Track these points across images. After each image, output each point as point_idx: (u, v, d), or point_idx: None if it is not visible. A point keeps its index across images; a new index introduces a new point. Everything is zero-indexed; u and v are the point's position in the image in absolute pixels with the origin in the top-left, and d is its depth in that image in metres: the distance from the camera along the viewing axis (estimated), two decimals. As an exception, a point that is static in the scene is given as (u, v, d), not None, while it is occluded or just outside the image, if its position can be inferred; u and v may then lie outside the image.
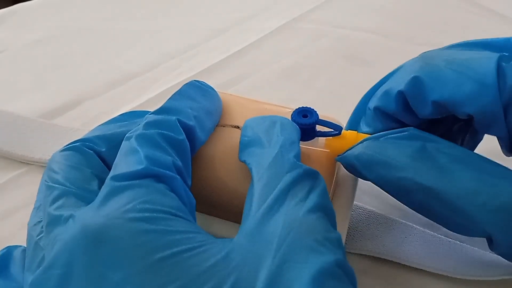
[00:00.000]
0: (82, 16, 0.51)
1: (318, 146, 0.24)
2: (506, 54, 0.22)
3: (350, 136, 0.24)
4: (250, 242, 0.17)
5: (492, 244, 0.21)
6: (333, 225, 0.18)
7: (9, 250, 0.21)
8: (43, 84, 0.41)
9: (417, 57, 0.24)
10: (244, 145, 0.22)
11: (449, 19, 0.50)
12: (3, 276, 0.20)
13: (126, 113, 0.25)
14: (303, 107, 0.24)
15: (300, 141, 0.22)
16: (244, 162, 0.21)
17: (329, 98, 0.39)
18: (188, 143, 0.21)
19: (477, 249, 0.26)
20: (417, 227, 0.27)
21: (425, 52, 0.24)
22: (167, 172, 0.19)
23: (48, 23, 0.49)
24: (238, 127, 0.24)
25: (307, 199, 0.18)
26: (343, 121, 0.26)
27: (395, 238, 0.27)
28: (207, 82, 0.25)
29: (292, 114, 0.23)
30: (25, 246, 0.20)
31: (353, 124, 0.26)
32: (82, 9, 0.52)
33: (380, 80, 0.26)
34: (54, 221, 0.18)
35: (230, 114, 0.25)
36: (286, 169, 0.19)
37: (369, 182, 0.23)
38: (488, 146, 0.26)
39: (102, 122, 0.24)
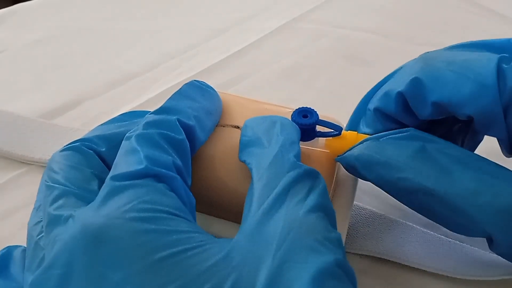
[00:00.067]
0: (82, 16, 0.51)
1: (318, 146, 0.24)
2: (506, 55, 0.22)
3: (350, 137, 0.24)
4: (250, 242, 0.17)
5: (492, 244, 0.21)
6: (333, 225, 0.18)
7: (9, 250, 0.21)
8: (43, 84, 0.41)
9: (417, 58, 0.24)
10: (244, 145, 0.22)
11: (449, 19, 0.50)
12: (3, 276, 0.20)
13: (126, 113, 0.25)
14: (303, 107, 0.24)
15: (300, 141, 0.22)
16: (244, 162, 0.21)
17: (329, 98, 0.39)
18: (188, 143, 0.21)
19: (477, 249, 0.26)
20: (417, 227, 0.27)
21: (425, 53, 0.24)
22: (167, 172, 0.19)
23: (48, 23, 0.49)
24: (238, 127, 0.24)
25: (307, 199, 0.18)
26: (343, 121, 0.26)
27: (395, 238, 0.27)
28: (207, 82, 0.25)
29: (292, 114, 0.23)
30: (25, 246, 0.20)
31: (353, 125, 0.26)
32: (82, 9, 0.52)
33: (380, 81, 0.26)
34: (54, 221, 0.18)
35: (230, 114, 0.25)
36: (286, 169, 0.19)
37: (369, 182, 0.23)
38: (488, 146, 0.26)
39: (102, 122, 0.24)
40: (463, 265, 0.25)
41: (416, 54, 0.25)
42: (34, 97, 0.39)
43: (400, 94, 0.23)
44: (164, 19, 0.50)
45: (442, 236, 0.27)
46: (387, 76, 0.25)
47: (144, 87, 0.40)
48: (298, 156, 0.20)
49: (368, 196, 0.29)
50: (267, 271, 0.16)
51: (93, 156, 0.21)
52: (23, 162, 0.33)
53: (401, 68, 0.25)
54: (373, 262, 0.26)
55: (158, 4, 0.53)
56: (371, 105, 0.24)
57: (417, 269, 0.26)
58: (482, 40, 0.24)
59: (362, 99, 0.26)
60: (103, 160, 0.22)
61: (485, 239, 0.21)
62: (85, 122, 0.37)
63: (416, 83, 0.22)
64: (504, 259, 0.22)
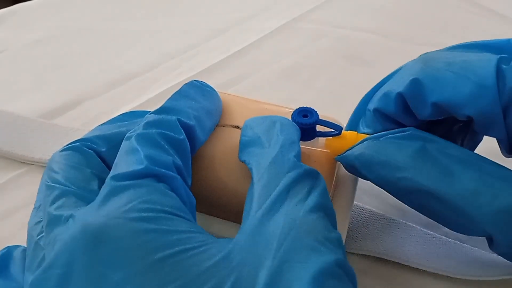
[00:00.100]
0: (82, 16, 0.51)
1: (318, 146, 0.24)
2: (506, 56, 0.22)
3: (350, 136, 0.24)
4: (250, 242, 0.17)
5: (492, 244, 0.21)
6: (333, 225, 0.18)
7: (9, 250, 0.21)
8: (43, 84, 0.41)
9: (416, 58, 0.24)
10: (244, 145, 0.22)
11: (449, 19, 0.50)
12: (3, 276, 0.20)
13: (126, 113, 0.25)
14: (303, 107, 0.24)
15: (300, 141, 0.22)
16: (244, 162, 0.21)
17: (329, 98, 0.39)
18: (188, 142, 0.21)
19: (477, 249, 0.26)
20: (417, 227, 0.27)
21: (424, 54, 0.24)
22: (167, 171, 0.19)
23: (48, 23, 0.49)
24: (238, 127, 0.24)
25: (307, 199, 0.18)
26: (343, 121, 0.26)
27: (395, 238, 0.27)
28: (207, 82, 0.25)
29: (292, 114, 0.23)
30: (25, 246, 0.20)
31: (353, 125, 0.26)
32: (82, 9, 0.52)
33: (380, 82, 0.26)
34: (54, 221, 0.18)
35: (230, 114, 0.25)
36: (286, 169, 0.19)
37: (369, 182, 0.23)
38: (488, 146, 0.26)
39: (102, 122, 0.24)
40: (463, 265, 0.25)
41: (416, 54, 0.25)
42: (34, 97, 0.39)
43: (399, 95, 0.23)
44: (164, 19, 0.50)
45: (442, 236, 0.27)
46: (386, 76, 0.25)
47: (144, 87, 0.40)
48: (298, 156, 0.20)
49: (368, 196, 0.29)
50: (267, 271, 0.16)
51: (93, 156, 0.21)
52: (23, 162, 0.33)
53: (400, 68, 0.25)
54: (373, 262, 0.26)
55: (158, 4, 0.53)
56: (371, 106, 0.24)
57: (417, 269, 0.26)
58: (482, 41, 0.24)
59: (362, 99, 0.26)
60: (103, 160, 0.22)
61: (485, 239, 0.21)
62: (85, 122, 0.37)
63: (415, 84, 0.22)
64: (504, 259, 0.22)
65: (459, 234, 0.26)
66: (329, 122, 0.24)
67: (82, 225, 0.17)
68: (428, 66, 0.23)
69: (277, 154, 0.20)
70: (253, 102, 0.26)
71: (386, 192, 0.23)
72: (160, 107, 0.22)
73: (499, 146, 0.23)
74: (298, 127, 0.22)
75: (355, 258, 0.26)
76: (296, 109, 0.23)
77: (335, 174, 0.24)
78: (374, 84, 0.26)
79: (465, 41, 0.25)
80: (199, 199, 0.21)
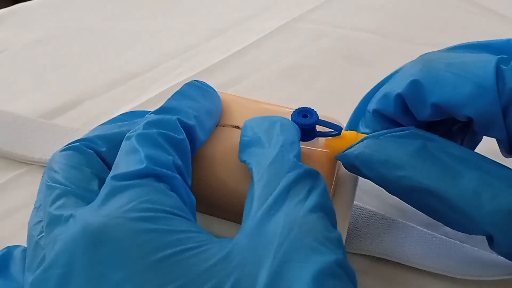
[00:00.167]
0: (82, 16, 0.51)
1: (318, 146, 0.24)
2: (505, 56, 0.22)
3: (350, 136, 0.24)
4: (251, 242, 0.17)
5: (492, 243, 0.21)
6: (334, 225, 0.18)
7: (9, 250, 0.21)
8: (43, 84, 0.41)
9: (416, 59, 0.24)
10: (244, 145, 0.22)
11: (449, 19, 0.50)
12: (3, 276, 0.20)
13: (126, 113, 0.25)
14: (303, 107, 0.24)
15: (300, 141, 0.22)
16: (244, 162, 0.21)
17: (329, 98, 0.39)
18: (188, 142, 0.21)
19: (477, 249, 0.26)
20: (417, 227, 0.27)
21: (424, 54, 0.24)
22: (168, 171, 0.19)
23: (48, 23, 0.49)
24: (238, 127, 0.24)
25: (308, 199, 0.18)
26: (343, 121, 0.26)
27: (395, 238, 0.27)
28: (207, 82, 0.25)
29: (292, 114, 0.23)
30: (25, 246, 0.20)
31: (353, 125, 0.26)
32: (82, 9, 0.52)
33: (379, 82, 0.26)
34: (55, 221, 0.18)
35: (230, 114, 0.25)
36: (287, 169, 0.19)
37: (370, 182, 0.23)
38: (487, 146, 0.26)
39: (102, 122, 0.24)
40: (463, 265, 0.25)
41: (416, 54, 0.25)
42: (34, 97, 0.39)
43: (399, 96, 0.23)
44: (164, 19, 0.50)
45: (442, 236, 0.27)
46: (386, 77, 0.25)
47: (144, 87, 0.40)
48: (298, 156, 0.20)
49: (368, 196, 0.29)
50: (268, 271, 0.16)
51: (94, 156, 0.21)
52: (23, 162, 0.33)
53: (400, 69, 0.25)
54: (373, 262, 0.26)
55: (158, 4, 0.53)
56: (370, 107, 0.24)
57: (417, 269, 0.26)
58: (481, 41, 0.24)
59: (362, 100, 0.26)
60: (103, 160, 0.22)
61: (485, 238, 0.21)
62: (85, 122, 0.37)
63: (415, 85, 0.22)
64: (504, 259, 0.22)
65: (459, 233, 0.26)
66: (329, 122, 0.24)
67: (83, 225, 0.17)
68: (427, 67, 0.23)
69: (277, 154, 0.20)
70: (253, 102, 0.26)
71: (386, 191, 0.23)
72: (160, 107, 0.22)
73: (499, 146, 0.23)
74: (298, 127, 0.22)
75: (355, 258, 0.26)
76: (296, 109, 0.23)
77: (335, 174, 0.24)
78: (374, 84, 0.26)
79: (465, 41, 0.25)
80: (199, 199, 0.21)
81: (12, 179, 0.32)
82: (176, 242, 0.16)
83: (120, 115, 0.25)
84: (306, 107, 0.23)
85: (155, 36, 0.47)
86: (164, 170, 0.19)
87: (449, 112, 0.22)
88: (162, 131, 0.20)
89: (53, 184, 0.20)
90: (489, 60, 0.21)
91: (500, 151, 0.24)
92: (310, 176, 0.19)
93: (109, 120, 0.24)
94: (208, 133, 0.23)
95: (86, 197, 0.19)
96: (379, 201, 0.29)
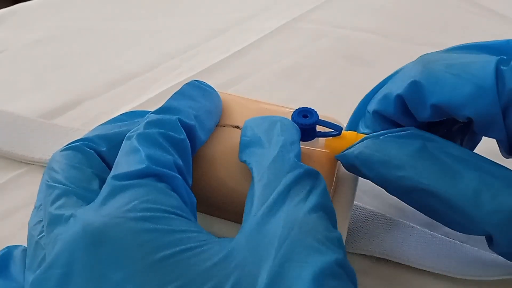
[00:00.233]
0: (82, 16, 0.51)
1: (318, 147, 0.24)
2: (505, 57, 0.22)
3: (350, 137, 0.24)
4: (251, 241, 0.17)
5: (492, 243, 0.21)
6: (334, 224, 0.18)
7: (9, 250, 0.21)
8: (43, 84, 0.41)
9: (416, 60, 0.24)
10: (244, 145, 0.22)
11: (449, 19, 0.50)
12: (3, 276, 0.20)
13: (126, 113, 0.25)
14: (303, 107, 0.24)
15: (300, 141, 0.22)
16: (244, 162, 0.21)
17: (329, 98, 0.39)
18: (188, 142, 0.21)
19: (477, 249, 0.26)
20: (417, 227, 0.27)
21: (424, 55, 0.24)
22: (168, 171, 0.19)
23: (48, 23, 0.49)
24: (238, 127, 0.24)
25: (308, 199, 0.18)
26: (343, 121, 0.26)
27: (395, 238, 0.27)
28: (207, 82, 0.25)
29: (292, 114, 0.23)
30: (25, 246, 0.20)
31: (353, 125, 0.26)
32: (82, 9, 0.52)
33: (379, 83, 0.26)
34: (55, 221, 0.18)
35: (230, 114, 0.25)
36: (287, 169, 0.19)
37: (370, 182, 0.23)
38: (487, 147, 0.26)
39: (102, 122, 0.24)
40: (463, 265, 0.25)
41: (416, 54, 0.25)
42: (34, 97, 0.39)
43: (399, 97, 0.23)
44: (164, 19, 0.50)
45: (442, 236, 0.27)
46: (386, 78, 0.25)
47: (144, 87, 0.40)
48: (299, 156, 0.20)
49: (368, 196, 0.29)
50: (268, 270, 0.16)
51: (94, 155, 0.21)
52: (23, 162, 0.33)
53: (400, 70, 0.25)
54: (373, 262, 0.26)
55: (158, 4, 0.53)
56: (370, 107, 0.24)
57: (417, 269, 0.26)
58: (481, 42, 0.24)
59: (362, 100, 0.26)
60: (103, 159, 0.22)
61: (485, 238, 0.21)
62: (85, 122, 0.37)
63: (415, 86, 0.22)
64: (504, 259, 0.22)
65: (459, 233, 0.26)
66: (329, 122, 0.24)
67: (83, 224, 0.17)
68: (427, 68, 0.23)
69: (278, 154, 0.20)
70: (253, 102, 0.26)
71: (386, 191, 0.23)
72: (161, 107, 0.22)
73: (499, 146, 0.23)
74: (298, 127, 0.22)
75: (355, 258, 0.26)
76: (296, 109, 0.23)
77: (335, 174, 0.24)
78: (374, 85, 0.26)
79: (465, 41, 0.25)
80: (200, 199, 0.21)
81: (12, 179, 0.32)
82: (177, 242, 0.16)
83: (120, 115, 0.25)
84: (306, 107, 0.24)
85: (155, 36, 0.47)
86: (165, 170, 0.19)
87: (449, 112, 0.22)
88: (163, 131, 0.20)
89: (54, 184, 0.20)
90: (489, 61, 0.21)
91: (500, 151, 0.24)
92: (310, 176, 0.19)
93: (109, 120, 0.24)
94: (209, 133, 0.23)
95: (86, 197, 0.19)
96: (379, 201, 0.29)
